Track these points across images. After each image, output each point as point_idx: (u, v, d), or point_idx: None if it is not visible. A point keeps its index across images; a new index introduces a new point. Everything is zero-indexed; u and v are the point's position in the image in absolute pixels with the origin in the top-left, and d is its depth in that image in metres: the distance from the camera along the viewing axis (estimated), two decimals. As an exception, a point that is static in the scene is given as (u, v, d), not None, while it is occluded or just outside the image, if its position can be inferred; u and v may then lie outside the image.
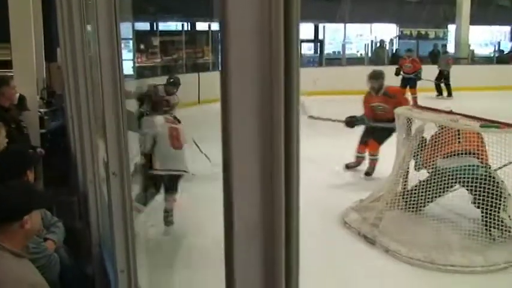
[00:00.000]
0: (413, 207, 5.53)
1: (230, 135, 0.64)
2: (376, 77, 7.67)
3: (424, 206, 5.57)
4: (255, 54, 0.64)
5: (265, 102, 0.63)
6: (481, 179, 5.16)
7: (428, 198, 5.49)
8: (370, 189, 6.14)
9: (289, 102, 0.63)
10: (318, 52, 22.01)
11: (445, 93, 16.15)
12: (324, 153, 8.25)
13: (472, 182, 5.19)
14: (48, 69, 9.75)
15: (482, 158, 5.40)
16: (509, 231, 5.05)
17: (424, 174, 5.67)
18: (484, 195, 5.11)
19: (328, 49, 23.52)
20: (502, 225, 5.06)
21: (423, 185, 5.55)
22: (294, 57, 0.62)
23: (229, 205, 0.63)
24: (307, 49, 22.17)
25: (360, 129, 7.74)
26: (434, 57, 19.43)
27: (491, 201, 5.09)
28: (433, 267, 4.68)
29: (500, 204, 5.10)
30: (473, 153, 5.41)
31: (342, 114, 7.75)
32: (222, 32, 0.67)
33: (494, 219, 5.06)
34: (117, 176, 1.72)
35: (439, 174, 5.42)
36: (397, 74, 14.50)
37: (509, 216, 5.14)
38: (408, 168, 5.73)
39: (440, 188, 5.39)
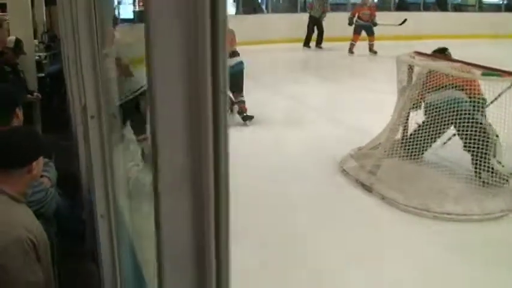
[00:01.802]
0: (412, 154, 5.52)
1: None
2: None
3: (423, 153, 5.56)
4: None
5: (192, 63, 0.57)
6: (466, 113, 5.18)
7: (427, 141, 5.48)
8: (371, 137, 6.10)
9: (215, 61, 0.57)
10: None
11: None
12: (327, 101, 8.22)
13: (457, 116, 5.20)
14: (49, 12, 9.62)
15: (470, 92, 5.35)
16: (499, 176, 5.08)
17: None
18: (470, 135, 5.14)
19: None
20: (491, 170, 5.08)
21: (420, 128, 5.55)
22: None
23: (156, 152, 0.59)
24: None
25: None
26: (442, 3, 19.10)
27: (479, 143, 5.11)
28: (428, 215, 4.68)
29: (488, 147, 5.11)
30: (461, 87, 5.36)
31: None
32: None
33: (483, 164, 5.09)
34: (95, 118, 1.68)
35: (429, 110, 5.43)
36: (350, 23, 14.51)
37: (498, 162, 5.17)
38: (408, 116, 5.68)
39: (434, 127, 5.38)
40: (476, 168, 5.16)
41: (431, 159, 5.60)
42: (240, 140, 6.76)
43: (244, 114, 7.65)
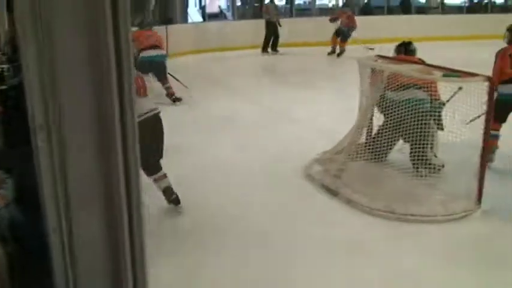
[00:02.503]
0: (377, 156, 5.58)
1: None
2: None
3: (387, 154, 5.62)
4: None
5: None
6: (426, 114, 5.31)
7: (390, 142, 5.57)
8: (336, 140, 6.11)
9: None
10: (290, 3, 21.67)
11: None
12: (293, 105, 8.24)
13: (418, 116, 5.29)
14: (12, 21, 9.46)
15: (430, 94, 5.46)
16: (435, 169, 5.27)
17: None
18: (415, 128, 5.28)
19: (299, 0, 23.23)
20: (428, 163, 5.25)
21: (381, 130, 5.63)
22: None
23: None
24: (277, 0, 21.85)
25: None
26: (405, 7, 19.36)
27: (418, 135, 5.27)
28: (393, 217, 4.71)
29: (427, 140, 5.28)
30: (421, 87, 5.45)
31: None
32: None
33: (419, 155, 5.27)
34: (44, 129, 1.61)
35: (389, 108, 5.48)
36: (331, 20, 15.15)
37: (434, 155, 5.39)
38: (371, 119, 5.72)
39: (395, 127, 5.44)
40: (414, 162, 5.33)
41: (396, 160, 5.65)
42: (206, 144, 6.74)
43: (173, 97, 9.20)
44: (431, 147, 5.41)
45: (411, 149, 5.41)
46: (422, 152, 5.31)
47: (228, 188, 5.42)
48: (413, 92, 5.41)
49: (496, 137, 5.80)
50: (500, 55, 5.85)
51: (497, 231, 4.56)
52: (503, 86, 5.65)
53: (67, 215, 1.93)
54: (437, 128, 5.41)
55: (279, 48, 15.54)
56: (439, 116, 5.41)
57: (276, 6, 16.01)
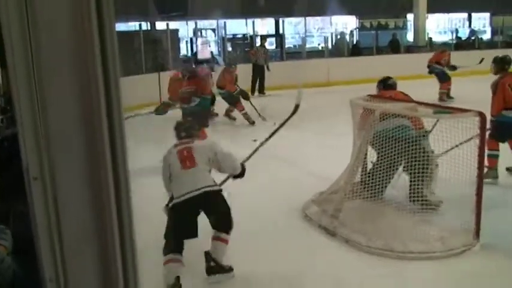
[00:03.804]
0: (373, 194, 5.59)
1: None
2: None
3: (383, 191, 5.63)
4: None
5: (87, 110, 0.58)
6: (412, 141, 5.39)
7: (385, 178, 5.59)
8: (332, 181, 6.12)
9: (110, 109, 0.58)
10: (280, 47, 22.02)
11: None
12: (289, 148, 8.27)
13: (405, 143, 5.38)
14: (5, 74, 9.53)
15: (415, 124, 5.63)
16: (431, 206, 5.34)
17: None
18: (412, 162, 5.39)
19: (290, 43, 23.61)
20: (423, 200, 5.33)
21: (375, 166, 5.69)
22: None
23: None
24: (268, 44, 22.20)
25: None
26: (394, 46, 19.67)
27: (418, 172, 5.37)
28: (392, 255, 4.69)
29: (424, 176, 5.38)
30: (406, 117, 5.59)
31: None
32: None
33: (417, 193, 5.34)
34: (38, 180, 1.62)
35: (378, 141, 5.59)
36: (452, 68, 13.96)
37: (432, 192, 5.44)
38: (365, 157, 5.75)
39: (387, 160, 5.50)
40: (410, 197, 5.42)
41: (392, 198, 5.65)
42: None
43: None
44: (428, 185, 5.44)
45: (410, 182, 5.46)
46: (420, 189, 5.36)
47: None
48: (397, 120, 5.53)
49: (496, 156, 6.59)
50: (501, 86, 6.60)
51: (496, 266, 4.54)
52: (508, 112, 6.52)
53: (63, 265, 1.93)
54: (423, 158, 5.42)
55: (266, 91, 15.52)
56: (425, 144, 5.52)
57: (265, 50, 16.04)
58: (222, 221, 4.43)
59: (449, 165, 5.23)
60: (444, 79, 13.48)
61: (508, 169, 6.82)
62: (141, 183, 5.54)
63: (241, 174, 4.80)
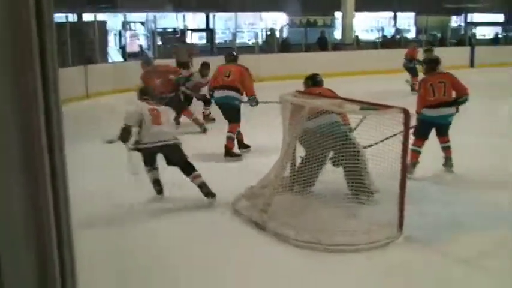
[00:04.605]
0: (302, 189, 5.71)
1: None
2: None
3: (311, 185, 5.77)
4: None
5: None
6: (342, 136, 5.60)
7: (313, 173, 5.76)
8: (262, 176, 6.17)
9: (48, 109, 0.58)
10: (210, 41, 21.99)
11: None
12: (217, 144, 8.27)
13: (334, 138, 5.57)
14: None
15: (344, 120, 5.91)
16: (369, 193, 5.62)
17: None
18: (345, 156, 5.60)
19: (220, 38, 23.61)
20: (366, 190, 5.57)
21: (304, 161, 5.83)
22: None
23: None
24: (198, 39, 22.12)
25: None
26: (322, 44, 20.01)
27: (354, 166, 5.61)
28: (320, 248, 4.79)
29: (361, 168, 5.61)
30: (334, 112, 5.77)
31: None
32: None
33: (358, 184, 5.59)
34: None
35: (307, 138, 5.75)
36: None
37: (370, 183, 5.67)
38: (294, 152, 5.84)
39: (315, 156, 5.69)
40: (352, 190, 5.64)
41: (320, 192, 5.77)
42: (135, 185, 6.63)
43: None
44: (367, 175, 5.68)
45: (346, 174, 5.69)
46: (360, 177, 5.61)
47: (152, 223, 5.37)
48: (326, 117, 5.70)
49: (419, 152, 6.86)
50: (423, 85, 6.97)
51: (419, 258, 4.72)
52: (426, 110, 6.78)
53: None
54: (355, 150, 5.64)
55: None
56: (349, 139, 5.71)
57: (187, 47, 15.32)
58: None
59: (376, 160, 5.40)
60: (416, 73, 14.15)
61: (445, 165, 7.06)
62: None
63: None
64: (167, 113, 6.37)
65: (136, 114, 6.01)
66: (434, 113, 6.77)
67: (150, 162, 6.15)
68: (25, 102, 0.65)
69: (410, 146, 5.80)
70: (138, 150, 6.02)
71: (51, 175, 0.64)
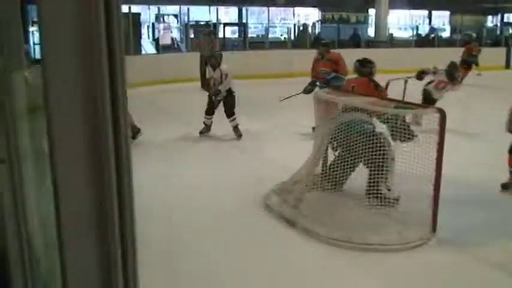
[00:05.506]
0: (333, 186, 5.68)
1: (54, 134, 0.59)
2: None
3: (342, 183, 5.73)
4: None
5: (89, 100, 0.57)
6: (368, 135, 5.49)
7: (345, 171, 5.72)
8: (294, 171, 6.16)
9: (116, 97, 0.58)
10: (242, 36, 21.97)
11: None
12: (252, 138, 8.28)
13: (363, 138, 5.48)
14: None
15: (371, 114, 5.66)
16: (389, 201, 5.41)
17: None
18: (369, 157, 5.47)
19: (253, 33, 23.59)
20: (380, 195, 5.42)
21: (337, 159, 5.79)
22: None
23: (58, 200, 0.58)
24: (231, 33, 22.12)
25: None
26: (355, 40, 19.87)
27: (375, 167, 5.48)
28: (351, 247, 4.75)
29: (382, 171, 5.47)
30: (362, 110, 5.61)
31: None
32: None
33: (374, 189, 5.46)
34: (5, 163, 1.55)
35: (339, 134, 5.67)
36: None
37: (388, 189, 5.51)
38: (327, 149, 5.81)
39: (348, 155, 5.63)
40: (367, 192, 5.51)
41: (352, 190, 5.73)
42: (164, 178, 6.69)
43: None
44: (386, 180, 5.52)
45: (368, 178, 5.56)
46: (377, 187, 5.46)
47: (188, 219, 5.39)
48: (354, 114, 5.60)
49: None
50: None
51: (451, 260, 4.66)
52: None
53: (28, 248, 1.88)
54: (380, 153, 5.51)
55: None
56: (381, 137, 5.56)
57: (211, 40, 14.83)
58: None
59: (409, 160, 5.32)
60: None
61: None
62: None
63: None
64: None
65: None
66: None
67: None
68: (93, 94, 0.65)
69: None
70: None
71: (116, 170, 0.63)
